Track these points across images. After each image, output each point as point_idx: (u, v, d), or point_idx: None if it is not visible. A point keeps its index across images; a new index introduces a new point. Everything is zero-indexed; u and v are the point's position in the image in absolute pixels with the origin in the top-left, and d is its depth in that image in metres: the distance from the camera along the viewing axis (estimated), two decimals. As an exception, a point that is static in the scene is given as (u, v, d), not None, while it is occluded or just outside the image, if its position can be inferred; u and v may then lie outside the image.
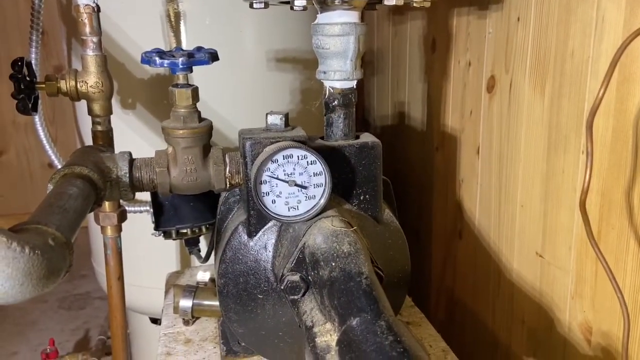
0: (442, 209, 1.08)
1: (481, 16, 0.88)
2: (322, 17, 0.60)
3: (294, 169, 0.56)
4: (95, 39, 0.71)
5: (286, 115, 0.61)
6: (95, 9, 0.70)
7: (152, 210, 0.80)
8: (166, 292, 0.92)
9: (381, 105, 1.43)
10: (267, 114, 0.62)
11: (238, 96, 1.02)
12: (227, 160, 0.62)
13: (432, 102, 1.09)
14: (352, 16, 0.59)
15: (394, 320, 0.43)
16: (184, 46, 0.96)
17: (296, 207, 0.57)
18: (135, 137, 1.00)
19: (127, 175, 0.59)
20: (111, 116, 0.81)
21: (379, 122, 1.46)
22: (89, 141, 0.99)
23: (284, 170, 0.56)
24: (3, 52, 2.13)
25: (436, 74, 1.06)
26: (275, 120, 0.61)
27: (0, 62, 2.15)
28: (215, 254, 0.69)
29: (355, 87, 0.63)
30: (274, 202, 0.57)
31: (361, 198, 0.63)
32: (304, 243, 0.55)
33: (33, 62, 0.80)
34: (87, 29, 0.70)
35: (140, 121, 1.00)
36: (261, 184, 0.56)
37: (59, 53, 2.11)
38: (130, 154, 0.62)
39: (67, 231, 0.43)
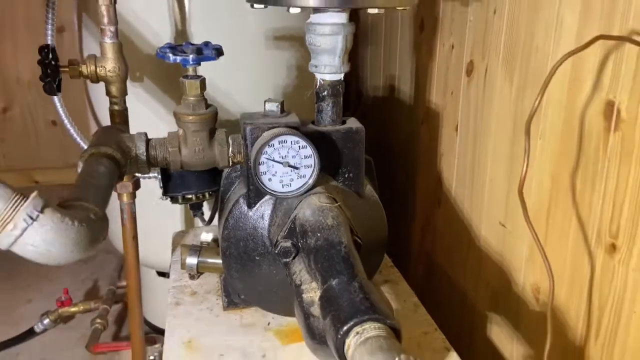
0: (425, 178, 1.17)
1: (464, 3, 0.95)
2: (315, 17, 0.68)
3: (288, 152, 0.65)
4: (112, 28, 0.79)
5: (282, 103, 0.70)
6: (112, 2, 0.78)
7: (160, 177, 0.90)
8: (173, 249, 1.02)
9: (374, 76, 1.49)
10: (265, 102, 0.71)
11: (236, 67, 1.08)
12: (230, 141, 0.71)
13: (419, 79, 1.16)
14: (341, 17, 0.67)
15: (365, 282, 0.53)
16: (187, 16, 1.02)
17: (289, 185, 0.67)
18: (142, 108, 1.08)
19: (144, 154, 0.68)
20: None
21: (371, 92, 1.53)
22: (100, 115, 1.08)
23: (279, 153, 0.65)
24: (7, 14, 2.17)
25: (423, 52, 1.13)
26: (272, 107, 0.70)
27: (5, 22, 2.19)
28: (219, 221, 0.79)
29: (342, 79, 0.71)
30: (270, 180, 0.66)
31: (346, 176, 0.72)
32: (295, 215, 0.65)
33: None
34: (105, 19, 0.78)
35: (147, 93, 1.08)
36: (259, 164, 0.65)
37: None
38: (146, 134, 0.70)
39: (102, 206, 0.53)
